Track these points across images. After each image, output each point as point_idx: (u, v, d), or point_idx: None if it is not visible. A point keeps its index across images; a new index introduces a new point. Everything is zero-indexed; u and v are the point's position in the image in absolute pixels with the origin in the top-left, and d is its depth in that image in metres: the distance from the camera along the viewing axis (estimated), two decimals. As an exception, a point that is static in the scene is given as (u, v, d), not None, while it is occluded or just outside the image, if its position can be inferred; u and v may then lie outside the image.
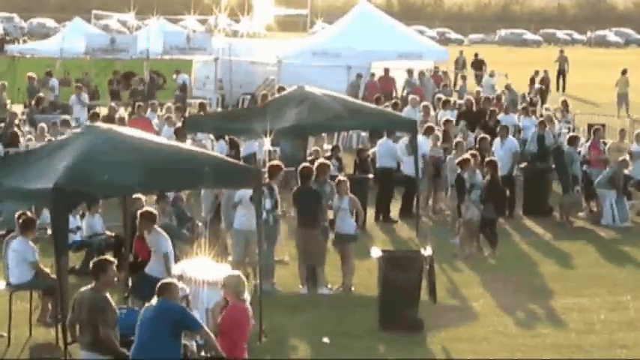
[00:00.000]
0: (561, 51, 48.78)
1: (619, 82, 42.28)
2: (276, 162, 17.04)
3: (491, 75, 39.75)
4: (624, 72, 42.76)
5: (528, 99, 34.13)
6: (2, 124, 24.07)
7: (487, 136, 22.14)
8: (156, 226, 14.15)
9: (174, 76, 33.68)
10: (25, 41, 58.59)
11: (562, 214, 21.83)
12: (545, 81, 43.06)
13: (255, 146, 22.35)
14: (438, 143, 22.31)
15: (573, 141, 22.49)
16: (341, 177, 17.30)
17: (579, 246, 19.62)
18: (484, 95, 35.48)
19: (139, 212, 14.44)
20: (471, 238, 18.50)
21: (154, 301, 10.16)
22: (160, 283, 10.35)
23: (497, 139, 22.32)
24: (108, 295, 10.29)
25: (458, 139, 22.37)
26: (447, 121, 23.86)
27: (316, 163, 16.82)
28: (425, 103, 27.49)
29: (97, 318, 10.10)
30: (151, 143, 14.08)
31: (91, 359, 10.28)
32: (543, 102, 36.81)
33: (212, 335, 10.24)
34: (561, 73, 46.38)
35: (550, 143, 23.38)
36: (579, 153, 24.52)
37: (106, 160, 12.94)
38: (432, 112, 28.40)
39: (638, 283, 16.92)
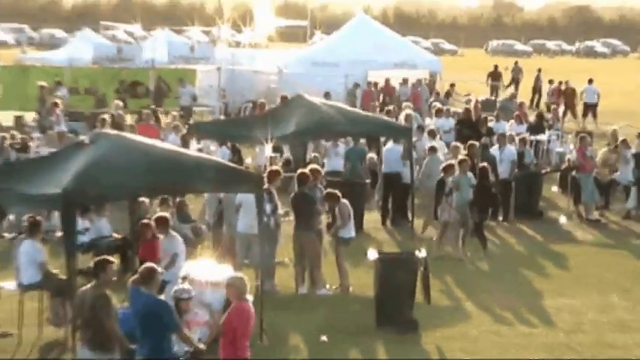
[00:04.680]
0: (516, 62, 48.72)
1: None
2: (275, 167, 17.03)
3: (590, 82, 39.12)
4: None
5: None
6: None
7: (476, 143, 22.06)
8: (170, 230, 14.19)
9: (181, 88, 33.47)
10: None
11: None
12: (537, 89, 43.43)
13: (339, 162, 22.09)
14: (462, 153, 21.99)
15: None
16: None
17: (569, 248, 19.61)
18: (586, 101, 37.18)
19: (156, 218, 14.43)
20: (446, 239, 18.52)
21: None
22: (142, 269, 10.35)
23: (496, 147, 22.32)
24: (108, 292, 10.29)
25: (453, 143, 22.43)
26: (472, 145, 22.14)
27: (307, 169, 16.77)
28: (408, 111, 27.36)
29: (100, 314, 10.10)
30: (157, 149, 14.10)
31: (93, 358, 10.25)
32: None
33: (184, 331, 10.30)
34: (515, 82, 46.29)
35: (530, 160, 23.36)
36: (568, 160, 24.62)
37: (113, 166, 12.96)
38: (428, 120, 28.44)
39: (627, 284, 16.92)
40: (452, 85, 39.79)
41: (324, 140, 23.93)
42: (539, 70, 44.11)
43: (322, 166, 21.34)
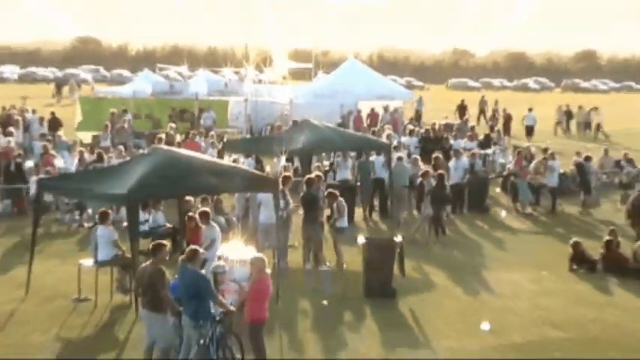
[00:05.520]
0: (482, 96, 48.63)
1: (577, 114, 43.23)
2: (287, 174, 17.00)
3: (530, 110, 39.28)
4: (580, 107, 44.09)
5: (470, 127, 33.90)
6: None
7: (440, 155, 22.20)
8: (210, 221, 14.15)
9: (205, 113, 33.27)
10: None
11: (585, 208, 22.11)
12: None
13: (347, 173, 21.49)
14: (420, 164, 22.07)
15: (589, 158, 22.87)
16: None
17: (508, 235, 19.59)
18: (526, 124, 38.16)
19: (199, 212, 14.38)
20: (427, 227, 18.51)
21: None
22: (188, 250, 10.31)
23: (454, 159, 22.29)
24: (162, 267, 10.27)
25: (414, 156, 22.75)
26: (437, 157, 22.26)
27: (312, 175, 16.72)
28: (388, 131, 27.45)
29: (156, 284, 10.06)
30: (198, 160, 14.08)
31: (150, 317, 10.23)
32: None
33: (219, 297, 10.23)
34: (481, 111, 46.26)
35: (479, 168, 23.34)
36: (508, 168, 24.60)
37: (166, 172, 12.95)
38: (403, 138, 28.40)
39: (553, 262, 16.87)
40: (416, 112, 40.13)
41: (325, 154, 23.90)
42: (497, 102, 44.29)
43: (325, 173, 21.26)
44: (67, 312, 12.90)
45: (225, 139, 25.60)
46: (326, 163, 23.80)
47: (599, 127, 41.82)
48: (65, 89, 60.49)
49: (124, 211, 15.71)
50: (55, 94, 58.82)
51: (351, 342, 11.92)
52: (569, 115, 44.20)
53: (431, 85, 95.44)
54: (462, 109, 44.31)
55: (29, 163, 22.44)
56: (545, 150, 24.05)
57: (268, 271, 10.54)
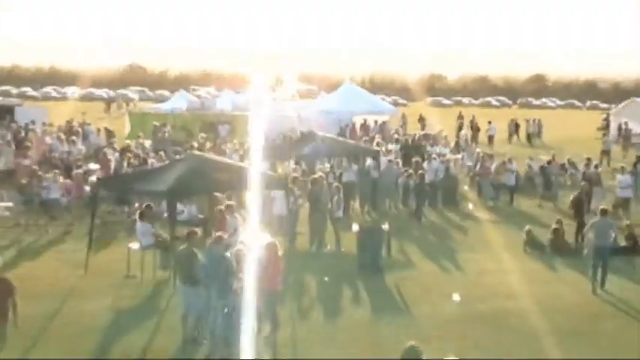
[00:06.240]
0: (460, 112, 48.77)
1: (529, 125, 43.14)
2: (296, 174, 16.97)
3: (490, 123, 39.28)
4: (534, 120, 44.08)
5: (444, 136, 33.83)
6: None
7: (419, 159, 22.20)
8: (234, 213, 14.14)
9: (220, 126, 33.18)
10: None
11: (546, 200, 22.04)
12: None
13: (352, 175, 20.88)
14: (399, 165, 22.15)
15: (550, 162, 23.04)
16: (336, 183, 17.26)
17: (474, 223, 19.53)
18: (489, 134, 38.19)
19: (225, 205, 14.37)
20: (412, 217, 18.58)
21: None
22: (215, 236, 10.26)
23: (426, 162, 22.31)
24: (195, 250, 10.27)
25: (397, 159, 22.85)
26: (417, 161, 22.07)
27: (316, 176, 16.71)
28: (378, 140, 27.53)
29: (190, 263, 10.06)
30: (224, 163, 14.08)
31: (185, 290, 10.24)
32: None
33: (239, 275, 10.12)
34: (461, 126, 46.37)
35: (453, 172, 23.32)
36: (475, 170, 24.53)
37: (198, 173, 12.96)
38: (390, 146, 28.41)
39: (511, 245, 16.79)
40: (401, 124, 40.13)
41: (326, 158, 23.86)
42: (473, 116, 44.41)
43: (327, 174, 21.20)
44: (118, 286, 12.92)
45: (245, 147, 25.61)
46: (327, 165, 23.75)
47: (539, 135, 42.34)
48: (113, 106, 60.97)
49: (164, 204, 15.73)
50: (105, 111, 59.49)
51: (347, 309, 11.92)
52: (517, 126, 44.29)
53: (412, 103, 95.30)
54: (421, 120, 45.36)
55: (90, 166, 22.46)
56: (490, 156, 24.27)
57: (280, 253, 10.53)
